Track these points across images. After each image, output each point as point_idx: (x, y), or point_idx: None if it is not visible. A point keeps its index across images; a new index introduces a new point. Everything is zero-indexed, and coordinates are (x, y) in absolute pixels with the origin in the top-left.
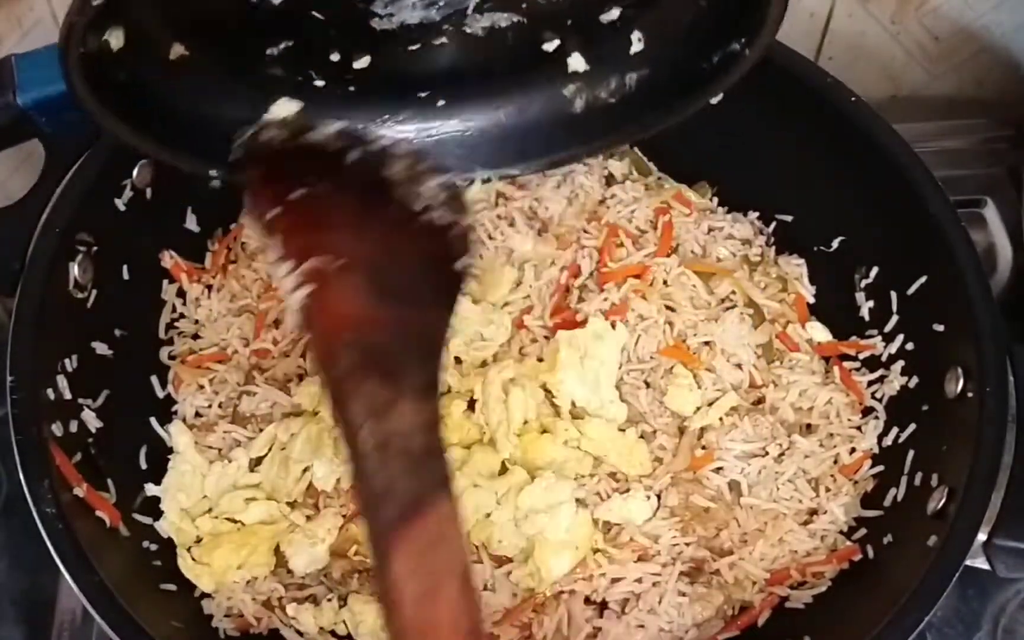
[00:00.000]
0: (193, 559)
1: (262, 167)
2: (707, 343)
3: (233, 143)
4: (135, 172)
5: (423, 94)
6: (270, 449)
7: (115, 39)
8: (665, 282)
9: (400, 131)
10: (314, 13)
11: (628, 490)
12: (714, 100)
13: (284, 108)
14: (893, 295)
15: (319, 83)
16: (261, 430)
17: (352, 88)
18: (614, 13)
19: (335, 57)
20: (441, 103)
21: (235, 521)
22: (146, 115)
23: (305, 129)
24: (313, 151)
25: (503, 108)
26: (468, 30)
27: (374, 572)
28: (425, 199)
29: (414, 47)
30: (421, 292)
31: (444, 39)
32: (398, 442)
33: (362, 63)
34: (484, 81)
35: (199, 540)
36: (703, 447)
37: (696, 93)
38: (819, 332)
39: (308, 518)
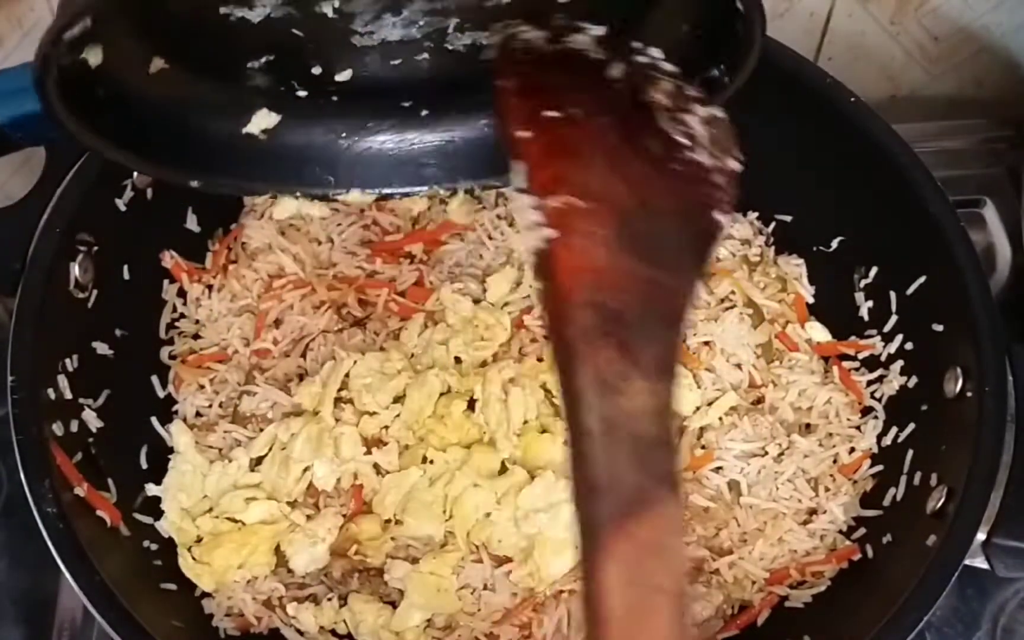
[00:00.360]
0: (194, 559)
1: (517, 74)
2: (707, 343)
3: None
4: (135, 173)
5: (406, 104)
6: (270, 449)
7: (93, 56)
8: None
9: (383, 140)
10: (294, 31)
11: None
12: None
13: (264, 120)
14: (892, 295)
15: (301, 93)
16: (261, 430)
17: (335, 97)
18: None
19: (316, 70)
20: (424, 113)
21: (235, 521)
22: (127, 129)
23: (565, 31)
24: (573, 61)
25: (486, 120)
26: (450, 47)
27: (581, 573)
28: (689, 132)
29: (396, 61)
30: (671, 250)
31: (426, 55)
32: (629, 425)
33: (344, 76)
34: (467, 93)
35: (199, 540)
36: (703, 447)
37: None
38: (818, 332)
39: (308, 518)
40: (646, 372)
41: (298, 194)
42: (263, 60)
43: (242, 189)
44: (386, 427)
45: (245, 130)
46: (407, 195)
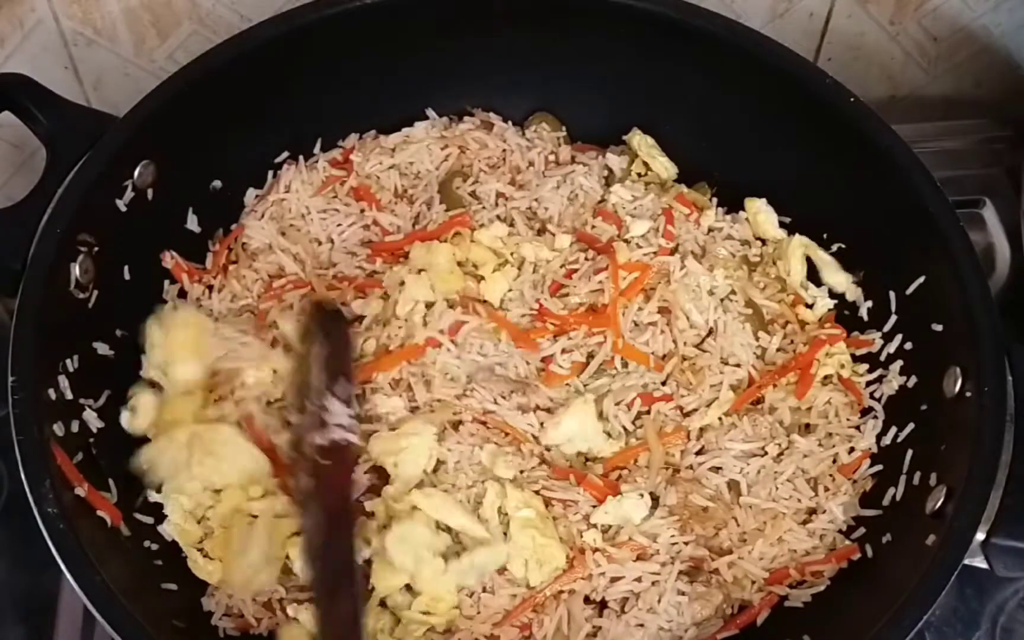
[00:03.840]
0: (206, 555)
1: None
2: (707, 343)
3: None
4: (136, 173)
5: None
6: None
7: None
8: (665, 282)
9: None
10: None
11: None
12: None
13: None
14: (892, 295)
15: None
16: None
17: None
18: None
19: None
20: None
21: None
22: None
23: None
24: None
25: None
26: None
27: None
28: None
29: None
30: None
31: None
32: None
33: None
34: None
35: (203, 539)
36: (703, 448)
37: None
38: (821, 302)
39: None
40: None
41: None
42: None
43: None
44: None
45: None
46: None
